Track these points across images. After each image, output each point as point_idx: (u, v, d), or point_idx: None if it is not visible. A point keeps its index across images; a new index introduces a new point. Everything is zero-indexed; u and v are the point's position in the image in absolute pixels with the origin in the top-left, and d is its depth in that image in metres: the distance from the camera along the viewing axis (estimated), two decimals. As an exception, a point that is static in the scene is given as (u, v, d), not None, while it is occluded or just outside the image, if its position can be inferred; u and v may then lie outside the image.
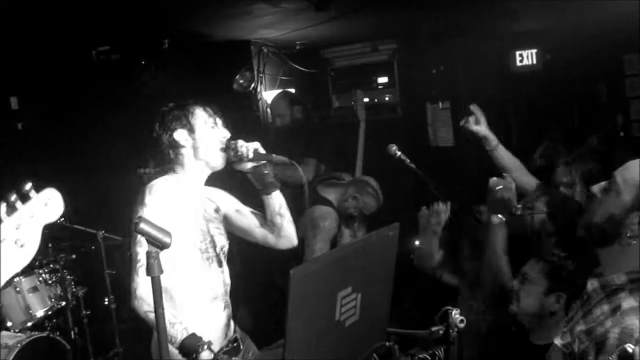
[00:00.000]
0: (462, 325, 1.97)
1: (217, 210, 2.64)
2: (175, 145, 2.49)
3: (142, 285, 2.25)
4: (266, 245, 2.69)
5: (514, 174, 3.10)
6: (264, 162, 2.50)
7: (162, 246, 1.63)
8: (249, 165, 2.51)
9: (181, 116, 2.50)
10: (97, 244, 4.52)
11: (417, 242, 3.54)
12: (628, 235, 1.72)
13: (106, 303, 4.58)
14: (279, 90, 5.63)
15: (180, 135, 2.49)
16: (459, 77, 5.83)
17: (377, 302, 1.83)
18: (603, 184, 1.84)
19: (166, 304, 2.27)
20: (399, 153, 3.74)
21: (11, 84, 5.40)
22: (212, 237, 2.53)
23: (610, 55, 6.29)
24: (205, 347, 2.12)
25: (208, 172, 2.56)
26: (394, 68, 5.86)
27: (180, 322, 2.23)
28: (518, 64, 6.26)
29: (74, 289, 4.53)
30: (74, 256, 4.63)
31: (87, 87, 5.32)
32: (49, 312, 4.32)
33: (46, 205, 1.31)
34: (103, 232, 4.45)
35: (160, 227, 1.66)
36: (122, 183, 5.16)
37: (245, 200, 2.76)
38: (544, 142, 5.40)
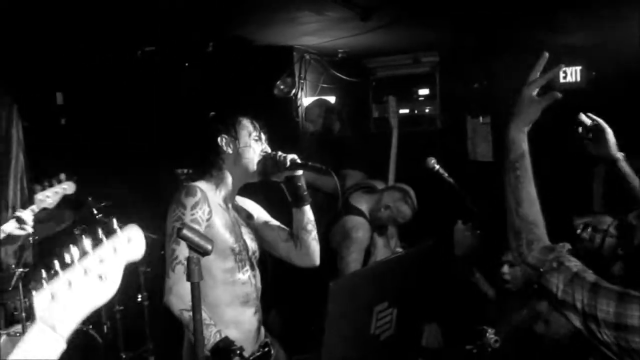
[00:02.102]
0: (496, 345, 1.95)
1: (249, 217, 2.68)
2: (218, 151, 2.53)
3: (179, 283, 2.28)
4: (289, 260, 2.68)
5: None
6: (299, 173, 2.51)
7: (204, 252, 1.66)
8: (285, 174, 2.52)
9: (228, 123, 2.55)
10: (132, 240, 4.58)
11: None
12: None
13: (139, 300, 4.64)
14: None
15: (223, 141, 2.52)
16: (500, 92, 5.77)
17: (412, 318, 1.82)
18: (636, 212, 1.81)
19: None
20: (437, 166, 3.72)
21: (57, 80, 5.52)
22: (244, 240, 2.56)
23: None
24: (238, 352, 2.14)
25: (244, 181, 2.59)
26: (435, 80, 5.85)
27: (214, 325, 2.25)
28: (562, 80, 6.19)
29: (108, 284, 4.59)
30: (110, 252, 4.68)
31: (131, 87, 5.41)
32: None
33: (129, 242, 1.34)
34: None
35: (202, 233, 1.69)
36: (160, 181, 5.26)
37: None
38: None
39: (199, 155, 2.60)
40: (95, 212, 4.48)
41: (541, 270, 1.70)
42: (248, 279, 2.52)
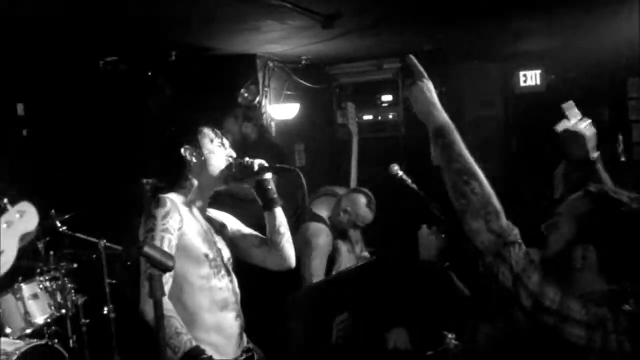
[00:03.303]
0: (457, 350, 1.99)
1: (222, 227, 2.69)
2: (183, 162, 2.55)
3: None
4: (264, 266, 2.70)
5: None
6: (268, 177, 2.56)
7: (165, 269, 1.67)
8: (255, 179, 2.56)
9: (189, 134, 2.57)
10: (98, 253, 4.55)
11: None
12: (574, 268, 1.78)
13: (105, 312, 4.59)
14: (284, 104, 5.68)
15: (187, 152, 2.54)
16: (463, 98, 5.86)
17: (374, 325, 1.85)
18: (550, 221, 1.90)
19: (180, 314, 2.34)
20: (400, 173, 3.77)
21: (18, 91, 5.45)
22: (218, 248, 2.57)
23: (614, 78, 6.32)
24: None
25: (213, 188, 2.61)
26: (398, 87, 5.92)
27: (186, 334, 2.26)
28: (522, 84, 6.30)
29: (74, 298, 4.53)
30: (75, 265, 4.64)
31: (94, 97, 5.36)
32: (49, 320, 4.31)
33: (21, 216, 1.39)
34: (105, 241, 4.47)
35: (164, 250, 1.70)
36: (124, 193, 5.22)
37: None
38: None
39: (165, 169, 2.62)
40: (59, 224, 4.43)
41: (506, 241, 1.76)
42: (225, 285, 2.53)
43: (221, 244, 2.61)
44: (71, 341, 4.46)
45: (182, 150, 2.53)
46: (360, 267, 2.42)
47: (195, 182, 2.55)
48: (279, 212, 2.62)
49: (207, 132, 2.60)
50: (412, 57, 2.07)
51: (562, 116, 2.76)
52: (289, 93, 6.09)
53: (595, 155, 2.60)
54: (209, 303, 2.47)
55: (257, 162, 2.52)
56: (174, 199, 2.47)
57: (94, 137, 5.33)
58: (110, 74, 5.28)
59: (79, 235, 4.54)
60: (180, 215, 2.41)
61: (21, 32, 4.25)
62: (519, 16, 4.67)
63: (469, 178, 1.83)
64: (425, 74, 2.04)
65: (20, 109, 5.64)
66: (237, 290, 2.62)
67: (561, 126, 2.71)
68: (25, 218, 1.39)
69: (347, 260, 4.00)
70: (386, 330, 2.08)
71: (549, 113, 3.10)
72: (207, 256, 2.47)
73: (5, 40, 4.39)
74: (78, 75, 5.25)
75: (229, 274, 2.57)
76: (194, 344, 2.23)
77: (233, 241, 2.70)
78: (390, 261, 1.93)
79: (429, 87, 2.00)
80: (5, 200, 1.39)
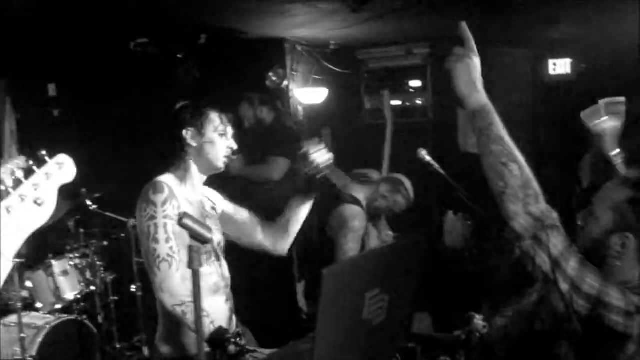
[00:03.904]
0: (484, 330, 2.00)
1: (214, 208, 2.70)
2: (182, 143, 2.53)
3: (166, 280, 2.31)
4: (259, 248, 2.72)
5: None
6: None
7: (204, 241, 1.70)
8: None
9: (194, 115, 2.54)
10: (127, 231, 4.62)
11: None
12: (612, 256, 1.78)
13: (133, 290, 4.68)
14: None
15: (189, 134, 2.53)
16: (491, 85, 5.81)
17: (403, 304, 1.87)
18: (585, 210, 1.90)
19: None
20: (428, 158, 3.76)
21: (50, 71, 5.52)
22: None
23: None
24: (233, 340, 2.18)
25: (208, 173, 2.61)
26: (427, 72, 5.90)
27: (207, 316, 2.28)
28: (552, 72, 6.23)
29: (102, 275, 4.63)
30: (105, 243, 4.73)
31: (124, 78, 5.42)
32: (78, 296, 4.41)
33: (60, 168, 1.43)
34: (134, 220, 4.53)
35: (202, 222, 1.72)
36: (154, 172, 5.26)
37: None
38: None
39: (164, 145, 2.59)
40: (89, 203, 4.50)
41: (544, 224, 1.74)
42: (215, 269, 2.54)
43: (213, 227, 2.56)
44: (99, 317, 4.55)
45: (184, 132, 2.51)
46: (394, 244, 2.44)
47: (192, 164, 2.54)
48: (310, 205, 2.63)
49: (213, 117, 2.56)
50: (464, 25, 1.96)
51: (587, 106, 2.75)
52: (316, 77, 6.10)
53: (614, 152, 2.59)
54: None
55: (326, 164, 2.50)
56: (169, 181, 2.47)
57: (124, 118, 5.39)
58: (140, 56, 5.33)
59: (108, 214, 4.62)
60: (178, 201, 2.42)
61: (52, 13, 4.31)
62: (550, 2, 4.62)
63: (508, 160, 1.79)
64: (475, 49, 1.94)
65: (51, 89, 5.74)
66: (227, 274, 2.63)
67: (590, 119, 2.70)
68: (63, 169, 1.43)
69: (374, 244, 4.04)
70: (412, 310, 2.09)
71: (579, 102, 3.08)
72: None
73: (37, 21, 4.45)
74: (109, 57, 5.31)
75: (218, 259, 2.58)
76: (216, 325, 2.27)
77: (224, 222, 2.70)
78: (416, 245, 1.93)
79: (476, 65, 1.92)
80: (44, 152, 1.43)
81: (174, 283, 2.31)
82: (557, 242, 1.73)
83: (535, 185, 1.80)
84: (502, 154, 1.80)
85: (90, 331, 4.20)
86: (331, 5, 4.41)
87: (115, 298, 4.71)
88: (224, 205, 2.76)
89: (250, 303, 4.42)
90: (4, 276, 1.36)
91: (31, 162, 1.41)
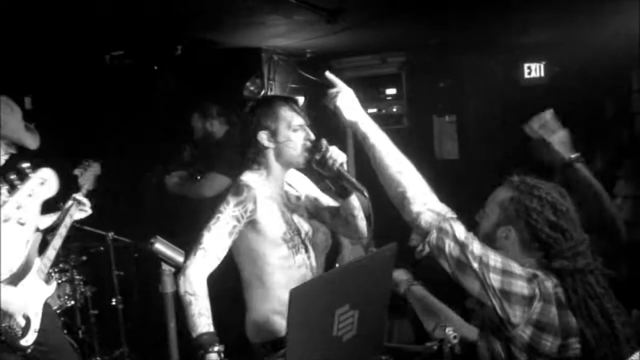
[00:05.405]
0: (455, 341, 2.04)
1: (298, 198, 2.75)
2: (258, 147, 2.57)
3: (191, 267, 2.36)
4: (336, 232, 2.88)
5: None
6: (344, 170, 2.53)
7: (175, 265, 1.73)
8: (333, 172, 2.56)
9: (266, 116, 2.56)
10: (106, 245, 4.61)
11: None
12: (499, 247, 2.06)
13: (113, 303, 4.67)
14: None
15: (264, 137, 2.55)
16: (466, 91, 5.88)
17: (374, 318, 1.91)
18: (481, 209, 2.20)
19: (258, 290, 2.54)
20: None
21: (25, 84, 5.50)
22: (296, 225, 2.64)
23: (618, 70, 6.31)
24: (216, 349, 2.22)
25: (290, 167, 2.65)
26: (401, 80, 5.96)
27: (207, 317, 2.33)
28: (526, 76, 6.31)
29: (82, 289, 4.62)
30: (84, 257, 4.72)
31: (100, 90, 5.41)
32: (58, 311, 4.38)
33: (43, 184, 1.44)
34: (112, 233, 4.54)
35: (174, 247, 1.76)
36: (132, 185, 5.27)
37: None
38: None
39: (242, 148, 2.63)
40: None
41: (445, 216, 2.00)
42: (303, 261, 2.62)
43: (298, 219, 2.67)
44: (80, 331, 4.54)
45: (258, 135, 2.54)
46: (363, 259, 2.47)
47: (272, 162, 2.58)
48: (352, 199, 2.65)
49: (285, 114, 2.56)
50: (328, 73, 2.32)
51: (561, 109, 2.80)
52: (293, 86, 6.13)
53: (572, 156, 2.67)
54: (286, 280, 2.55)
55: (338, 163, 2.50)
56: (250, 180, 2.53)
57: (100, 131, 5.38)
58: (116, 68, 5.32)
59: (87, 227, 4.61)
60: (255, 204, 2.48)
61: (28, 26, 4.30)
62: (523, 7, 4.68)
63: (401, 169, 2.06)
64: (342, 84, 2.28)
65: (27, 102, 5.70)
66: (315, 264, 2.71)
67: (532, 133, 2.77)
68: (46, 185, 1.44)
69: (349, 251, 4.07)
70: (384, 323, 2.13)
71: (552, 105, 3.14)
72: (284, 238, 2.55)
73: (12, 34, 4.44)
74: (84, 69, 5.30)
75: (306, 250, 2.66)
76: (211, 329, 2.31)
77: (309, 210, 2.78)
78: (387, 256, 1.97)
79: (353, 95, 2.24)
80: (27, 165, 1.43)
81: (198, 272, 2.37)
82: (459, 229, 1.99)
83: (428, 186, 2.06)
84: (394, 164, 2.07)
85: (71, 346, 4.18)
86: (307, 17, 4.44)
87: (96, 312, 4.70)
88: (308, 191, 2.80)
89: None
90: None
91: (13, 176, 1.41)
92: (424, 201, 2.01)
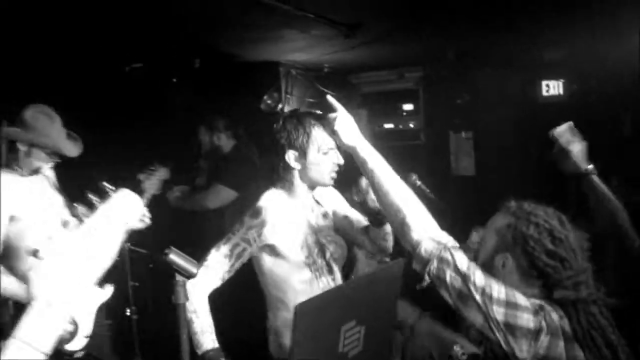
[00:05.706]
0: (463, 358, 2.03)
1: (325, 216, 2.69)
2: (285, 166, 2.51)
3: (200, 285, 2.38)
4: (364, 248, 2.82)
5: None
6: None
7: (189, 276, 1.75)
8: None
9: (296, 136, 2.47)
10: (122, 255, 4.63)
11: None
12: (496, 275, 1.95)
13: (128, 314, 4.68)
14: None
15: (292, 158, 2.49)
16: (484, 107, 5.86)
17: (381, 334, 1.90)
18: (477, 236, 2.13)
19: (282, 313, 2.49)
20: (419, 182, 3.79)
21: (44, 95, 5.56)
22: (320, 246, 2.58)
23: (636, 86, 6.25)
24: None
25: (317, 186, 2.59)
26: (419, 96, 5.96)
27: (211, 332, 2.33)
28: (544, 94, 6.26)
29: (97, 299, 4.63)
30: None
31: (118, 102, 5.46)
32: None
33: (122, 207, 1.43)
34: (129, 244, 4.56)
35: (188, 258, 1.77)
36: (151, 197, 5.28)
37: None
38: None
39: (269, 165, 2.59)
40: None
41: (446, 245, 1.93)
42: (326, 284, 2.56)
43: (324, 240, 2.61)
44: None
45: (286, 155, 2.48)
46: (370, 274, 2.47)
47: (298, 181, 2.53)
48: (386, 227, 2.60)
49: (316, 136, 2.47)
50: (329, 97, 2.27)
51: (580, 127, 2.79)
52: (311, 100, 6.15)
53: (588, 167, 2.66)
54: None
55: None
56: (270, 202, 2.50)
57: (119, 141, 5.43)
58: (135, 80, 5.37)
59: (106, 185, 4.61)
60: (272, 228, 2.44)
61: (48, 37, 4.36)
62: (543, 25, 4.67)
63: (401, 194, 2.04)
64: (342, 108, 2.24)
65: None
66: (340, 282, 2.64)
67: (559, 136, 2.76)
68: (125, 208, 1.40)
69: (364, 265, 4.05)
70: (391, 338, 2.12)
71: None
72: (306, 262, 2.50)
73: (31, 47, 4.50)
74: (103, 81, 5.35)
75: (330, 272, 2.59)
76: (216, 345, 2.31)
77: (336, 225, 2.72)
78: (394, 271, 1.97)
79: (352, 121, 2.22)
80: (105, 184, 1.41)
81: (198, 289, 2.37)
82: (461, 258, 1.91)
83: (429, 214, 2.03)
84: (394, 191, 2.05)
85: (85, 356, 4.20)
86: (324, 31, 4.46)
87: (109, 322, 4.70)
88: (336, 207, 2.75)
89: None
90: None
91: (91, 195, 1.39)
92: (424, 228, 1.98)
